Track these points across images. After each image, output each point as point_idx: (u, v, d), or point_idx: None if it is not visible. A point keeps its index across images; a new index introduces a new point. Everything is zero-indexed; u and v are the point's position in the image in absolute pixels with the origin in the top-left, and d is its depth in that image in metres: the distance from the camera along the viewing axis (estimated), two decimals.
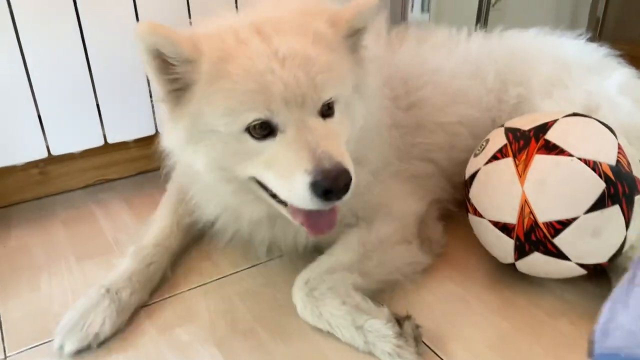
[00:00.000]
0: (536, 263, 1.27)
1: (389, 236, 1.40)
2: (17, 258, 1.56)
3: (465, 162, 1.49)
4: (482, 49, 1.75)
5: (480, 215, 1.33)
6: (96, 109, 1.72)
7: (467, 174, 1.41)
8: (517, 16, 2.83)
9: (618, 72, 1.68)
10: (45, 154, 1.70)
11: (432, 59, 1.69)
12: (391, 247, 1.39)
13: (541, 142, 1.25)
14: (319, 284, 1.26)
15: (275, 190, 1.15)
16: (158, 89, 1.17)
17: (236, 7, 1.78)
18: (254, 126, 1.11)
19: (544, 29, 1.86)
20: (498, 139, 1.35)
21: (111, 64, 1.69)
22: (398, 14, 2.36)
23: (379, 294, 1.33)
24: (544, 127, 1.28)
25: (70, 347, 1.19)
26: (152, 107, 1.80)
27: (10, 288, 1.43)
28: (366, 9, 1.22)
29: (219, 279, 1.46)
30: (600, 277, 1.35)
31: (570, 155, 1.20)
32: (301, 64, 1.10)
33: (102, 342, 1.23)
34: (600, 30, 3.06)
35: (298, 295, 1.28)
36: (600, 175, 1.18)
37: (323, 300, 1.24)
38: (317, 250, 1.44)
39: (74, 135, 1.72)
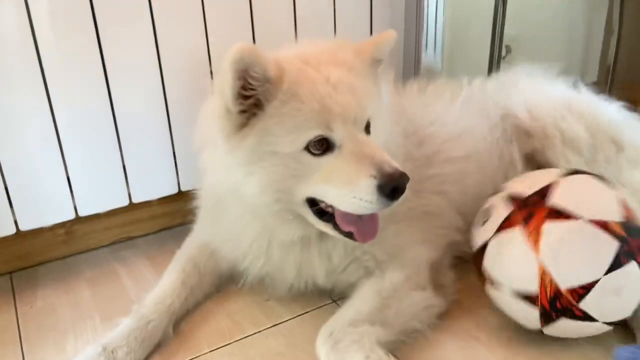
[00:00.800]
0: (565, 328, 1.26)
1: (402, 283, 1.42)
2: (44, 319, 1.58)
3: (477, 198, 1.53)
4: (483, 89, 1.89)
5: (499, 287, 1.31)
6: (122, 170, 1.77)
7: (475, 245, 1.40)
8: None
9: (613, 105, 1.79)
10: (72, 215, 1.74)
11: (435, 101, 1.80)
12: (406, 294, 1.41)
13: (547, 209, 1.25)
14: (343, 336, 1.27)
15: (335, 201, 1.25)
16: (230, 108, 1.22)
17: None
18: (314, 143, 1.23)
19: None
20: (502, 208, 1.35)
21: (138, 125, 1.75)
22: (411, 61, 2.41)
23: (401, 346, 1.34)
24: (545, 192, 1.28)
25: None
26: (176, 166, 1.85)
27: (37, 350, 1.45)
28: (386, 42, 1.40)
29: (241, 339, 1.46)
30: (626, 332, 1.35)
31: (580, 218, 1.21)
32: (348, 89, 1.27)
33: None
34: (612, 79, 3.10)
35: (322, 348, 1.28)
36: (612, 235, 1.19)
37: (347, 354, 1.24)
38: (330, 294, 1.53)
39: (101, 196, 1.76)
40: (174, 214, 2.02)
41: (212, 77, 1.78)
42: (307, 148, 1.23)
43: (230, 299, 1.63)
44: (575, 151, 1.68)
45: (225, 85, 1.20)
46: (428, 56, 2.50)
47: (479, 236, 1.39)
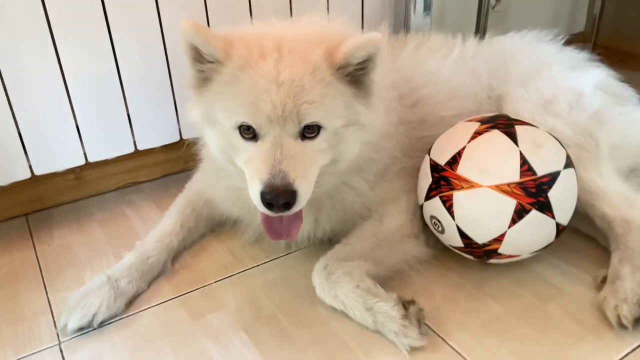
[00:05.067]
0: (526, 229, 1.37)
1: (398, 228, 1.57)
2: (62, 256, 1.73)
3: None
4: (476, 52, 1.95)
5: (481, 180, 1.39)
6: (127, 120, 1.88)
7: (443, 158, 1.48)
8: (517, 18, 2.93)
9: (596, 70, 1.82)
10: (82, 161, 1.86)
11: (430, 61, 1.87)
12: (400, 239, 1.56)
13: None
14: (336, 269, 1.42)
15: (248, 184, 1.33)
16: (189, 72, 1.38)
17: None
18: (242, 127, 1.32)
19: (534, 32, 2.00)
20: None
21: (141, 77, 1.85)
22: (401, 18, 2.48)
23: (388, 281, 1.48)
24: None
25: (72, 324, 1.39)
26: (177, 116, 1.96)
27: (58, 282, 1.61)
28: (368, 44, 1.28)
29: (242, 271, 1.63)
30: (586, 263, 1.53)
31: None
32: (294, 91, 1.27)
33: (102, 323, 1.41)
34: (598, 29, 3.16)
35: (317, 278, 1.44)
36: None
37: (339, 283, 1.39)
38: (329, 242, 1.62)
39: (108, 143, 1.89)
40: (176, 160, 2.14)
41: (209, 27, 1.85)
42: (239, 128, 1.32)
43: (232, 238, 1.78)
44: None
45: (182, 52, 1.33)
46: (417, 7, 2.54)
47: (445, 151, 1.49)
